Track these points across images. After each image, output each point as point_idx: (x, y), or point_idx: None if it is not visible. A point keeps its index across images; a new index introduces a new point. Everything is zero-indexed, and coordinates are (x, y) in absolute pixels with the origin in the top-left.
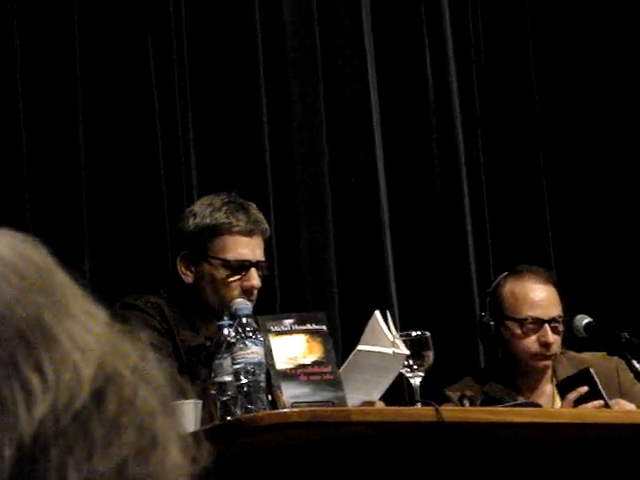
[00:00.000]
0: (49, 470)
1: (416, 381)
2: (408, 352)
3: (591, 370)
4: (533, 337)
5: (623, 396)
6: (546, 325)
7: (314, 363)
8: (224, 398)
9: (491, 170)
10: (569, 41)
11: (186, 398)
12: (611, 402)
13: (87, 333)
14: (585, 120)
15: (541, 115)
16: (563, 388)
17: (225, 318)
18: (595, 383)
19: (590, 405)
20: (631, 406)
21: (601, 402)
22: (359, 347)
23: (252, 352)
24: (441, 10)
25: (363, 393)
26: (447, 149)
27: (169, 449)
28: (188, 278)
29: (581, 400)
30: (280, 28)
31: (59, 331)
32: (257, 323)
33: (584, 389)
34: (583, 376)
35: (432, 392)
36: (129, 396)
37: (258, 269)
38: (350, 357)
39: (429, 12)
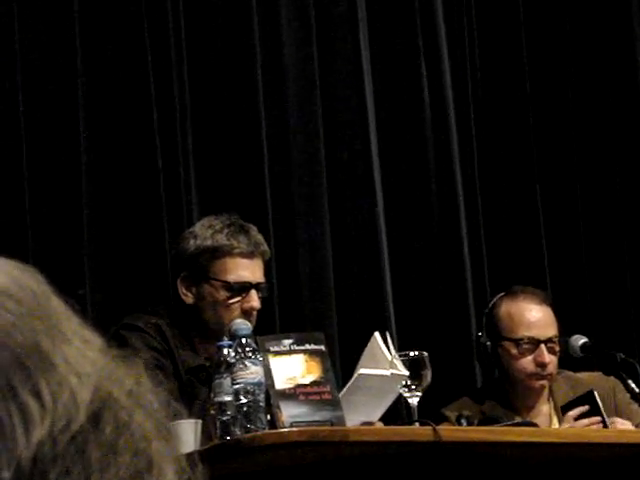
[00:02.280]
0: None
1: (414, 401)
2: (407, 373)
3: (595, 392)
4: (529, 357)
5: (619, 416)
6: (542, 345)
7: (313, 383)
8: (224, 418)
9: (487, 191)
10: (563, 51)
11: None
12: (608, 420)
13: (83, 358)
14: (581, 136)
15: (537, 133)
16: (568, 410)
17: (224, 338)
18: (597, 404)
19: (587, 421)
20: (627, 424)
21: (598, 418)
22: (360, 371)
23: (251, 372)
24: (436, 20)
25: (363, 415)
26: (444, 170)
27: (165, 471)
28: (188, 299)
29: (582, 418)
30: (277, 36)
31: (56, 356)
32: (256, 343)
33: (585, 408)
34: (587, 398)
35: (429, 412)
36: (125, 420)
37: (258, 291)
38: (351, 381)
39: (424, 22)
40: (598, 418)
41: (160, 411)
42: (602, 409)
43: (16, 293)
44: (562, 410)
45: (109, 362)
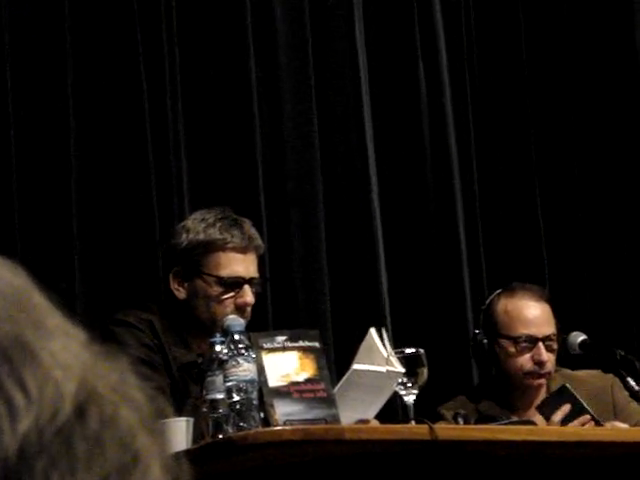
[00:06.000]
0: None
1: (410, 399)
2: (403, 370)
3: (568, 386)
4: (527, 355)
5: (618, 414)
6: (540, 343)
7: (307, 380)
8: (216, 415)
9: (485, 186)
10: (561, 43)
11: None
12: (607, 424)
13: (67, 352)
14: (580, 127)
15: (535, 123)
16: (544, 409)
17: (217, 335)
18: (576, 398)
19: (577, 422)
20: (625, 427)
21: (587, 417)
22: (354, 366)
23: (244, 369)
24: (433, 12)
25: (358, 412)
26: (441, 165)
27: (151, 466)
28: (180, 294)
29: (567, 419)
30: (271, 25)
31: (40, 349)
32: (249, 340)
33: (567, 407)
34: (562, 394)
35: (425, 410)
36: (110, 414)
37: (252, 286)
38: (345, 376)
39: (421, 16)
40: (587, 417)
41: (146, 406)
42: (582, 402)
43: None
44: (539, 410)
45: (93, 356)
